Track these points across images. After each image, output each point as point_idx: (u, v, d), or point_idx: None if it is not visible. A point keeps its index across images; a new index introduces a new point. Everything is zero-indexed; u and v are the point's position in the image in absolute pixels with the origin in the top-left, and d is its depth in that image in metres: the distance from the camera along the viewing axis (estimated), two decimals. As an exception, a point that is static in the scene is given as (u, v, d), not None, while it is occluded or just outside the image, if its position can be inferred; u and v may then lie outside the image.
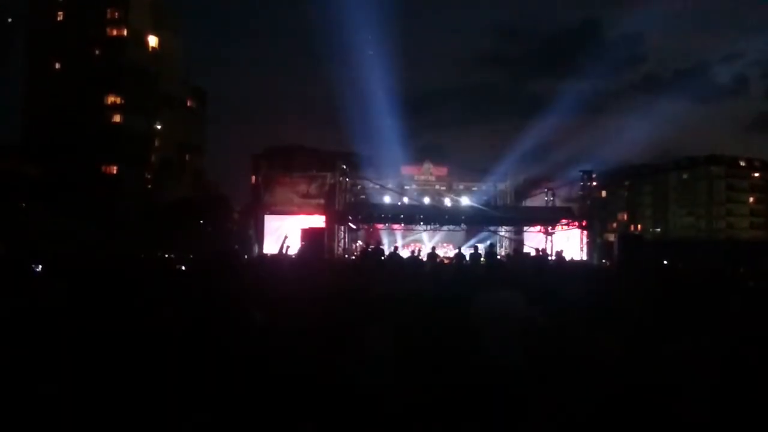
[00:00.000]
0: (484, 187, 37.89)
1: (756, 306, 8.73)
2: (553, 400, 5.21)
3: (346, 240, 33.52)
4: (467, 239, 35.87)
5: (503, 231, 36.48)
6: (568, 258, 27.99)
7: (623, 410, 4.98)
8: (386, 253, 22.93)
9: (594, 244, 32.79)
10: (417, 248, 30.90)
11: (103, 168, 66.24)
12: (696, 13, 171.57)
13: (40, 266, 11.72)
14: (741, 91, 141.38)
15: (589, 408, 5.05)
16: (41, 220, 39.03)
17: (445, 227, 35.21)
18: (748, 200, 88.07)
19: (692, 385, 5.16)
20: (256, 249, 32.80)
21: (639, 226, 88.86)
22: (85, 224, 39.33)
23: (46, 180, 53.69)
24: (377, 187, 36.46)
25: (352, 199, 34.33)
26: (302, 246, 24.20)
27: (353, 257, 30.29)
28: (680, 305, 7.57)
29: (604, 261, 30.28)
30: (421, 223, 34.47)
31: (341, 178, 33.56)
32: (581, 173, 34.35)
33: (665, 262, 22.45)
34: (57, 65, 68.46)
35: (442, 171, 40.97)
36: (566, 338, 6.15)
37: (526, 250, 29.68)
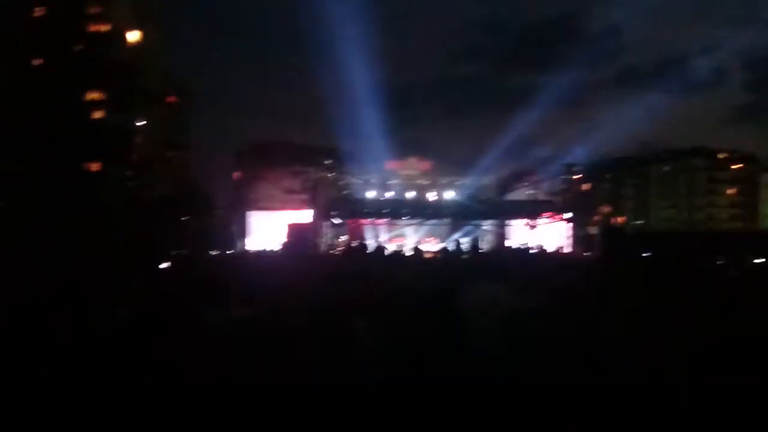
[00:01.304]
0: (467, 181, 38.07)
1: (735, 295, 8.86)
2: (541, 388, 5.27)
3: (331, 235, 33.53)
4: (451, 233, 36.00)
5: (487, 225, 36.66)
6: (551, 251, 28.19)
7: (613, 397, 5.05)
8: (370, 248, 22.97)
9: (577, 237, 33.02)
10: (401, 243, 31.00)
11: (85, 165, 65.69)
12: (675, 6, 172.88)
13: (22, 264, 11.64)
14: (721, 83, 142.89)
15: (577, 394, 5.12)
16: (22, 219, 38.65)
17: (429, 221, 35.33)
18: (728, 192, 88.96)
19: (676, 371, 5.24)
20: (239, 245, 32.75)
21: (621, 219, 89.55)
22: (66, 222, 39.01)
23: (26, 178, 53.14)
24: (361, 181, 36.48)
25: (336, 194, 34.32)
26: (287, 242, 24.23)
27: (337, 253, 30.31)
28: (660, 294, 7.68)
29: (586, 253, 30.51)
30: (406, 217, 34.56)
31: (325, 173, 33.55)
32: (564, 167, 34.60)
33: (646, 253, 22.62)
34: (37, 61, 67.74)
35: (426, 165, 41.12)
36: (549, 326, 6.23)
37: (508, 243, 29.87)
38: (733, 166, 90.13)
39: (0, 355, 4.92)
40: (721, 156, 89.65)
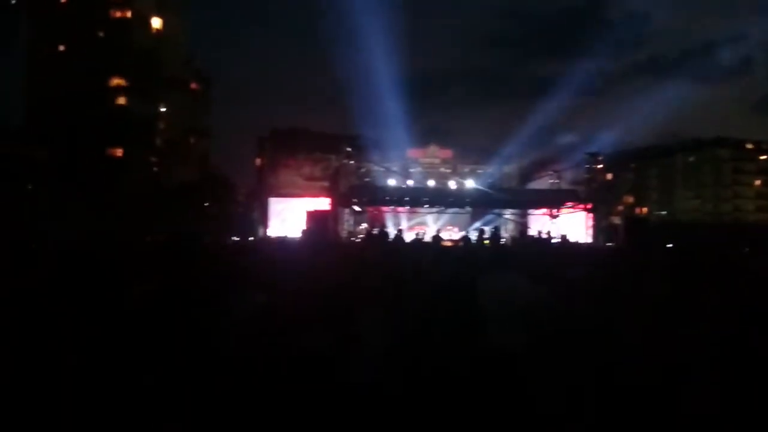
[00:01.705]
0: (489, 170, 37.73)
1: (760, 288, 8.67)
2: (556, 377, 5.18)
3: (351, 223, 33.49)
4: (472, 222, 35.84)
5: (508, 214, 36.42)
6: (573, 241, 27.91)
7: (628, 389, 4.95)
8: (391, 236, 22.89)
9: (599, 227, 32.68)
10: (421, 231, 30.92)
11: (108, 151, 66.22)
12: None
13: (42, 249, 11.73)
14: (747, 72, 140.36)
15: (593, 387, 5.02)
16: (46, 204, 39.10)
17: (450, 210, 35.16)
18: (754, 183, 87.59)
19: (698, 365, 5.13)
20: (260, 231, 32.84)
21: (645, 209, 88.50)
22: (90, 208, 39.40)
23: (50, 163, 53.74)
24: (382, 169, 36.38)
25: (357, 182, 34.24)
26: (307, 229, 24.21)
27: (358, 240, 30.28)
28: (684, 286, 7.53)
29: (609, 244, 30.19)
30: (426, 205, 34.41)
31: (346, 161, 33.47)
32: (587, 156, 34.24)
33: (670, 244, 22.36)
34: (61, 47, 68.25)
35: (447, 153, 40.81)
36: (568, 319, 6.12)
37: (530, 232, 29.63)
38: (760, 157, 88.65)
39: (30, 336, 4.92)
40: (747, 146, 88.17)
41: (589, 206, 32.43)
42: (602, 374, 5.10)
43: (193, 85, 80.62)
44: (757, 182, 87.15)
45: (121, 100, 68.96)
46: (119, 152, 66.82)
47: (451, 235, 31.44)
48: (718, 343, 5.43)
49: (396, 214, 36.24)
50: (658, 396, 4.72)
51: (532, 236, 26.47)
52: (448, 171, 37.16)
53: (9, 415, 4.03)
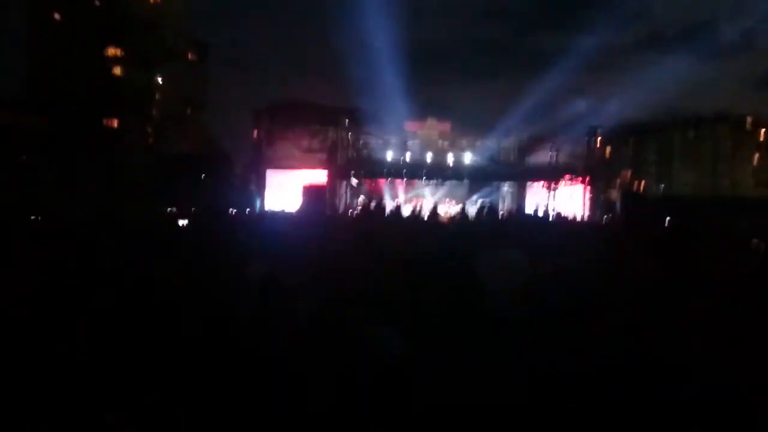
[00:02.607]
0: (487, 143, 37.55)
1: (757, 262, 8.68)
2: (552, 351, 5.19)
3: (348, 195, 33.43)
4: (470, 195, 35.84)
5: (506, 187, 36.41)
6: (570, 215, 27.95)
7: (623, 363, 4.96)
8: (388, 209, 22.89)
9: (597, 201, 32.72)
10: (419, 204, 30.91)
11: (105, 121, 65.81)
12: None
13: (42, 220, 11.71)
14: (749, 48, 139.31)
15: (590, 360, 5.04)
16: (43, 174, 38.96)
17: (447, 183, 35.17)
18: (754, 158, 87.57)
19: (693, 338, 5.14)
20: (258, 204, 32.78)
21: (643, 184, 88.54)
22: (87, 178, 39.29)
23: (47, 133, 53.41)
24: (380, 141, 36.22)
25: (355, 154, 34.14)
26: (304, 202, 24.19)
27: (355, 213, 30.28)
28: (681, 261, 7.53)
29: (606, 217, 30.24)
30: (424, 178, 34.39)
31: (343, 133, 33.32)
32: (586, 130, 34.13)
33: (668, 218, 22.37)
34: (57, 16, 67.53)
35: (446, 126, 40.54)
36: (563, 293, 6.12)
37: (528, 206, 29.68)
38: (760, 133, 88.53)
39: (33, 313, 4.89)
40: (747, 122, 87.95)
41: (587, 180, 32.45)
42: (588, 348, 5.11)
43: (191, 56, 79.89)
44: (757, 158, 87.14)
45: (118, 70, 68.44)
46: (116, 122, 66.47)
47: (449, 209, 31.46)
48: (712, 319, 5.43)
49: (394, 186, 36.20)
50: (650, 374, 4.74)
51: (528, 214, 26.55)
52: (447, 144, 36.95)
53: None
